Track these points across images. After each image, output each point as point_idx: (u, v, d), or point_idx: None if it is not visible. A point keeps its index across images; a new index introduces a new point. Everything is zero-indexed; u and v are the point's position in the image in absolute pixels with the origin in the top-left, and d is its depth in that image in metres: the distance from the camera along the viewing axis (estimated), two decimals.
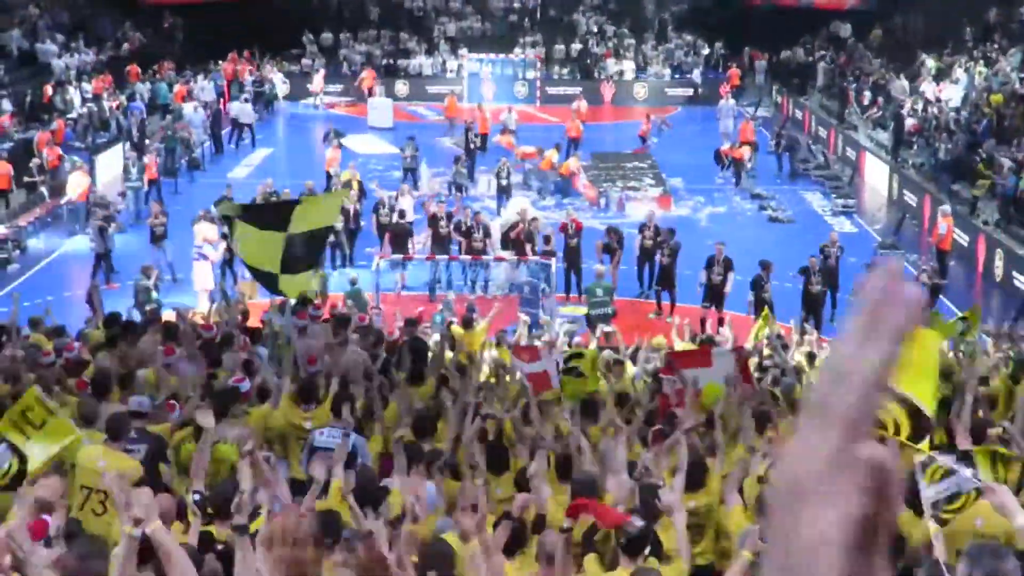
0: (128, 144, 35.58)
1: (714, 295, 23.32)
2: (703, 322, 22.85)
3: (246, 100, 41.98)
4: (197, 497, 7.72)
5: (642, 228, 25.53)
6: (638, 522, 7.08)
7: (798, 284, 23.30)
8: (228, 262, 24.78)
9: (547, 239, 25.62)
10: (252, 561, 6.09)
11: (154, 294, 21.85)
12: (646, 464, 9.51)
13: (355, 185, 28.47)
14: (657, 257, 24.79)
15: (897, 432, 7.78)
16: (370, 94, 45.73)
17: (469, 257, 25.30)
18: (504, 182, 32.15)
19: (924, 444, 8.07)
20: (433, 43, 51.47)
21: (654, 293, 24.94)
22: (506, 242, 25.98)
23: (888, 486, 1.06)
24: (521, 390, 13.40)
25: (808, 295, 23.01)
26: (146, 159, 31.91)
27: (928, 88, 38.67)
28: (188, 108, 40.70)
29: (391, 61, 50.08)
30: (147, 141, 36.28)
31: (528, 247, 25.40)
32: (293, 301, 16.11)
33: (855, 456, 1.06)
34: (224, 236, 23.12)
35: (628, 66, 50.23)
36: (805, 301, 22.84)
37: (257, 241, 14.52)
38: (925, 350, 8.07)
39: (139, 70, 43.84)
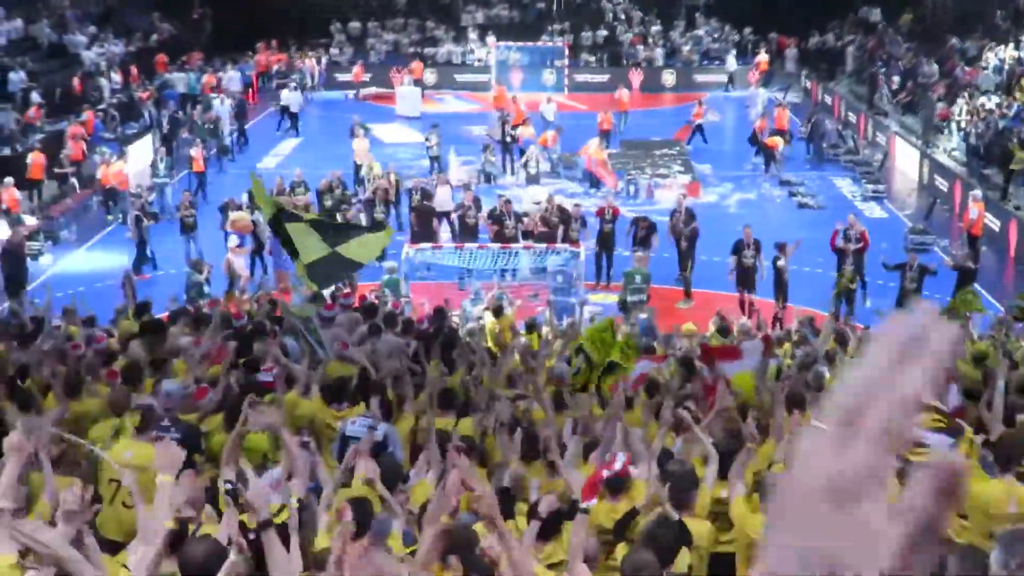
0: (159, 137, 35.65)
1: (746, 279, 23.38)
2: (742, 305, 22.93)
3: (295, 88, 42.34)
4: (229, 487, 7.74)
5: (673, 214, 25.56)
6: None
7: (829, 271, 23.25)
8: (256, 251, 24.96)
9: (573, 221, 25.65)
10: (282, 555, 6.10)
11: (206, 288, 21.98)
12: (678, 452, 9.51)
13: (392, 181, 28.42)
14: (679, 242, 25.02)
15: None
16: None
17: (498, 245, 25.27)
18: (533, 171, 32.08)
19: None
20: (461, 31, 51.47)
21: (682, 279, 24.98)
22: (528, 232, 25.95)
23: (955, 492, 1.08)
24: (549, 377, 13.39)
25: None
26: (193, 151, 32.00)
27: (958, 72, 38.42)
28: (216, 99, 40.88)
29: (418, 49, 50.08)
30: (181, 132, 36.37)
31: (562, 231, 25.42)
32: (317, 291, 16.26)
33: (888, 468, 1.08)
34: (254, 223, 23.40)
35: (658, 53, 50.08)
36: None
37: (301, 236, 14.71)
38: None
39: (166, 59, 44.06)
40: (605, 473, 8.18)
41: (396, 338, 15.54)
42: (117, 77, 39.80)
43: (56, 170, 30.63)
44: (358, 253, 15.28)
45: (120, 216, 28.70)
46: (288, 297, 18.21)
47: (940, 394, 9.92)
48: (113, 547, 7.33)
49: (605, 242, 25.65)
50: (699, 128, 38.15)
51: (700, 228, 25.19)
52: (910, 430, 1.09)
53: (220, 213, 25.83)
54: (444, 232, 26.81)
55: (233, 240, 24.35)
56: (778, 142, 34.83)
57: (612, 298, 23.50)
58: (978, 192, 27.40)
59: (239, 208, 25.55)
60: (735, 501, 8.76)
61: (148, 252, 25.95)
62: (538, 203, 26.94)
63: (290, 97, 41.44)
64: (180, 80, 42.14)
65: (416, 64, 47.20)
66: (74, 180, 30.79)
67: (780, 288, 23.07)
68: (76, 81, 37.26)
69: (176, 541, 5.97)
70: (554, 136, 34.55)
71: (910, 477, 1.08)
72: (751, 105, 39.82)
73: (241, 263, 23.94)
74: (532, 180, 31.55)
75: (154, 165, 30.03)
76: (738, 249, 23.43)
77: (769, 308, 22.92)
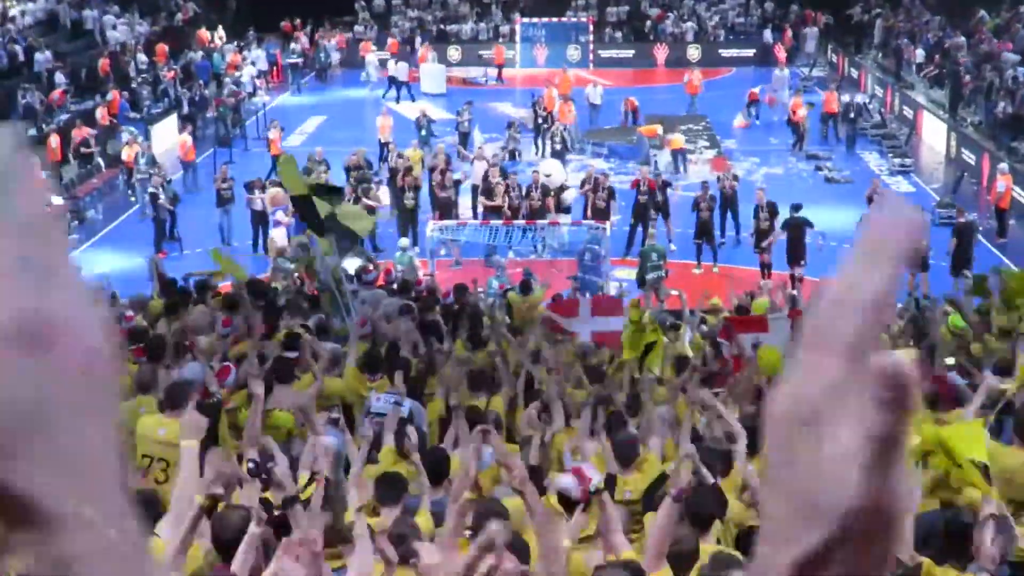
0: (179, 118, 35.72)
1: (760, 239, 24.07)
2: (762, 268, 23.73)
3: (397, 61, 43.49)
4: (252, 465, 7.78)
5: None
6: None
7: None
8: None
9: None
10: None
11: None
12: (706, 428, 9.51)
13: (442, 158, 28.32)
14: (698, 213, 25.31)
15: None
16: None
17: (523, 221, 25.28)
18: (558, 146, 32.04)
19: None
20: (485, 8, 51.35)
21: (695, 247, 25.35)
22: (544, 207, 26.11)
23: (906, 395, 1.03)
24: (578, 353, 13.41)
25: None
26: (181, 137, 32.06)
27: (986, 44, 38.13)
28: (245, 76, 41.09)
29: (442, 26, 49.98)
30: (207, 111, 36.42)
31: (592, 200, 25.71)
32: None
33: (861, 378, 1.03)
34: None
35: (688, 27, 49.80)
36: None
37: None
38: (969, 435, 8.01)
39: (208, 35, 44.41)
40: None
41: (392, 298, 15.76)
42: (143, 57, 39.87)
43: (83, 149, 30.70)
44: (350, 220, 15.53)
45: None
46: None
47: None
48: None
49: (640, 213, 25.74)
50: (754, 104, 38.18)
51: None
52: (874, 334, 1.04)
53: (245, 191, 25.90)
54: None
55: (280, 216, 24.43)
56: (803, 114, 34.56)
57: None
58: (1005, 165, 27.23)
59: (263, 187, 25.64)
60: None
61: (168, 230, 26.05)
62: (549, 175, 27.09)
63: (398, 68, 42.48)
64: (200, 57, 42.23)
65: (424, 48, 47.11)
66: (99, 159, 30.86)
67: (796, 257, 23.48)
68: (102, 61, 37.32)
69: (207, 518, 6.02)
70: (573, 115, 34.50)
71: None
72: (778, 89, 39.36)
73: (283, 235, 24.02)
74: (557, 155, 31.49)
75: (136, 161, 29.14)
76: (757, 214, 24.25)
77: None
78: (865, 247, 1.07)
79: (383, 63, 44.23)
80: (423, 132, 32.78)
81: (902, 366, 1.04)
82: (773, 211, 24.04)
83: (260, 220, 25.58)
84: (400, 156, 28.38)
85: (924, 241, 1.07)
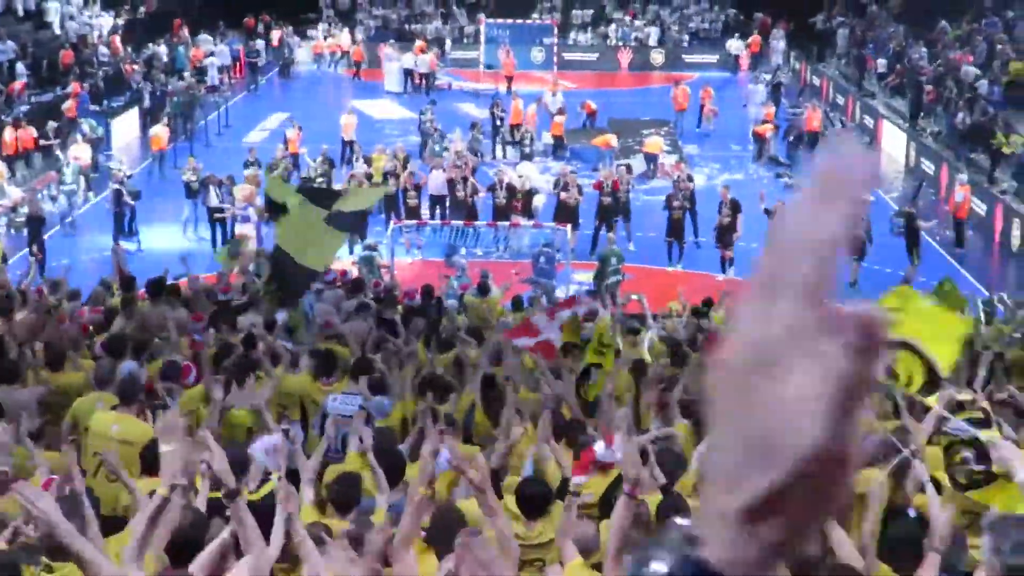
0: (140, 112, 35.53)
1: (721, 235, 24.64)
2: (723, 262, 24.52)
3: (423, 52, 43.92)
4: (205, 467, 7.75)
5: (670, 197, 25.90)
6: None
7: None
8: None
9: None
10: (253, 526, 6.11)
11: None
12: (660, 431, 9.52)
13: (400, 157, 28.19)
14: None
15: (909, 384, 7.81)
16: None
17: (484, 223, 25.31)
18: (527, 149, 31.99)
19: (933, 398, 8.09)
20: (450, 8, 51.30)
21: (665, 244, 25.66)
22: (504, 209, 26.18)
23: (876, 344, 1.03)
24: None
25: None
26: (153, 130, 31.92)
27: (947, 55, 38.40)
28: (214, 70, 41.03)
29: (407, 26, 49.88)
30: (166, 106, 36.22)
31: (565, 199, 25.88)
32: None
33: (820, 321, 1.03)
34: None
35: (652, 31, 49.91)
36: None
37: (297, 219, 14.62)
38: (955, 321, 8.10)
39: (182, 23, 44.48)
40: (596, 453, 8.21)
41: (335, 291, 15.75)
42: (105, 49, 39.56)
43: (43, 142, 30.41)
44: (355, 204, 15.29)
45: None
46: None
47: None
48: (102, 521, 7.30)
49: (605, 214, 25.88)
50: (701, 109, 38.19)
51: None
52: (830, 276, 1.04)
53: (202, 188, 25.81)
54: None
55: (252, 213, 24.35)
56: (767, 130, 34.66)
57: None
58: (964, 176, 27.46)
59: (220, 183, 25.51)
60: None
61: (127, 226, 25.86)
62: (521, 176, 27.19)
63: (418, 60, 43.14)
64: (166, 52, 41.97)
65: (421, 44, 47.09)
66: (59, 153, 30.55)
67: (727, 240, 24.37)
68: (63, 53, 37.01)
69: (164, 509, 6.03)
70: (526, 115, 34.52)
71: (827, 335, 1.02)
72: (750, 103, 39.43)
73: (251, 230, 23.95)
74: (526, 159, 31.46)
75: (60, 171, 28.40)
76: (720, 210, 24.75)
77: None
78: (818, 187, 1.05)
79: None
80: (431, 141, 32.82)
81: (876, 315, 1.03)
82: (736, 208, 24.49)
83: (218, 216, 25.43)
84: (366, 160, 28.34)
85: (879, 177, 1.05)
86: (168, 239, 25.01)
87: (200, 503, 7.21)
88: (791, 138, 34.12)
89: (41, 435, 9.76)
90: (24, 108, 32.23)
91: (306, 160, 29.15)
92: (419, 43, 45.68)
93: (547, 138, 34.63)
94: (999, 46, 37.30)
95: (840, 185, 1.05)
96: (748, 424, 1.04)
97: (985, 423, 8.26)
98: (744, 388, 1.04)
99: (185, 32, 45.20)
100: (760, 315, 1.04)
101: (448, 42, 48.45)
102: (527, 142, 32.41)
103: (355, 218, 15.64)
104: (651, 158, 32.23)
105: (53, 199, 27.63)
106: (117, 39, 40.94)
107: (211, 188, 25.41)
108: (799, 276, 1.03)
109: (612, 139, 33.77)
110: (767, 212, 24.01)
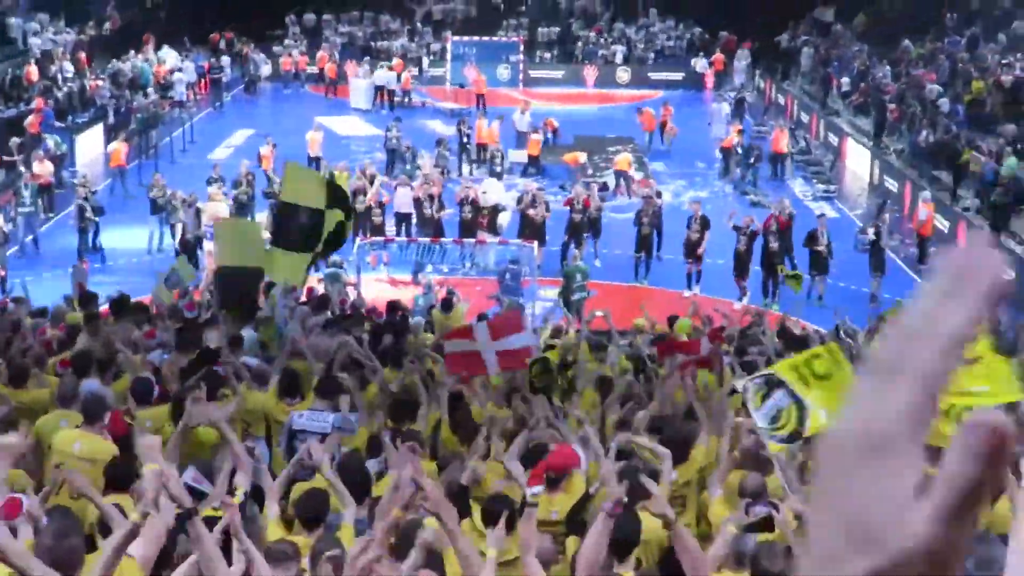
0: (105, 128, 35.34)
1: (689, 250, 24.82)
2: (688, 278, 24.78)
3: (390, 68, 44.07)
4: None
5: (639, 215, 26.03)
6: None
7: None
8: None
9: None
10: (211, 545, 6.09)
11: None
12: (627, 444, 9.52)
13: (368, 174, 28.05)
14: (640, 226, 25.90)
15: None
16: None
17: (450, 240, 25.31)
18: (499, 168, 31.97)
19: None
20: (416, 25, 51.34)
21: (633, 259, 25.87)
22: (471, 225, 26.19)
23: (1002, 453, 1.00)
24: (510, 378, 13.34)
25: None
26: (111, 146, 31.76)
27: (911, 74, 38.71)
28: (180, 86, 40.91)
29: (373, 43, 49.89)
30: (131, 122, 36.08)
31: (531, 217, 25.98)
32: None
33: (931, 411, 1.02)
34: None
35: (618, 49, 50.08)
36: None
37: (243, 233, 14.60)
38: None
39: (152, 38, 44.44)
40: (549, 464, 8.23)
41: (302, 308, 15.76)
42: (69, 65, 39.38)
43: (4, 157, 30.23)
44: (304, 195, 15.34)
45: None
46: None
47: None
48: None
49: (574, 232, 25.96)
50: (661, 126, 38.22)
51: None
52: (951, 368, 1.02)
53: (166, 209, 25.72)
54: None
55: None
56: (731, 140, 34.80)
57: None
58: (927, 193, 27.64)
59: (185, 202, 25.40)
60: (714, 503, 8.81)
61: (91, 242, 25.74)
62: (485, 192, 27.30)
63: (387, 77, 43.25)
64: (131, 68, 41.81)
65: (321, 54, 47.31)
66: (23, 169, 30.34)
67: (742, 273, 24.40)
68: (27, 69, 36.85)
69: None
70: (492, 134, 34.57)
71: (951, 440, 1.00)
72: (712, 123, 39.59)
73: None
74: (496, 176, 31.45)
75: (17, 193, 27.67)
76: (689, 225, 24.92)
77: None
78: (945, 281, 1.05)
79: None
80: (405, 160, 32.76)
81: (1004, 423, 1.02)
82: (705, 224, 24.68)
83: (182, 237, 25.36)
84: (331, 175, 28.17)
85: (1008, 282, 1.05)
86: (133, 255, 24.90)
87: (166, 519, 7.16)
88: (751, 159, 34.10)
89: None
90: None
91: (268, 175, 29.04)
92: (397, 61, 45.80)
93: (521, 156, 34.67)
94: (961, 65, 37.68)
95: (968, 282, 1.05)
96: (848, 506, 1.03)
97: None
98: (849, 469, 1.04)
99: (150, 48, 45.08)
100: (877, 396, 1.04)
101: (425, 60, 48.42)
102: (498, 161, 32.36)
103: (311, 229, 15.74)
104: (621, 175, 32.30)
105: (12, 220, 27.02)
106: (83, 55, 40.74)
107: (178, 209, 25.26)
108: (919, 365, 1.02)
109: (581, 156, 33.89)
110: (736, 229, 24.27)
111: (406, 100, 43.85)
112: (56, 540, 6.07)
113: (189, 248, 24.68)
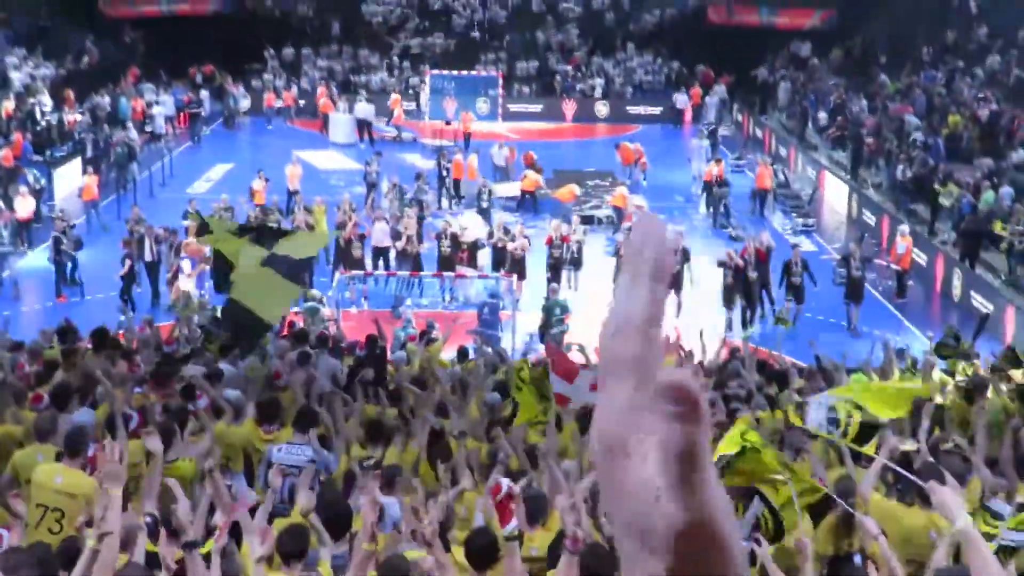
0: (83, 162, 35.21)
1: (673, 280, 24.18)
2: None
3: (369, 101, 44.50)
4: (149, 520, 7.66)
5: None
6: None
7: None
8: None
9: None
10: None
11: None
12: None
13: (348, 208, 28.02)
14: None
15: (845, 434, 7.87)
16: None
17: (430, 274, 25.33)
18: (485, 203, 31.92)
19: (870, 447, 8.12)
20: (392, 60, 51.43)
21: None
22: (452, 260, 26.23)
23: (695, 407, 1.05)
24: (486, 410, 13.33)
25: None
26: (84, 180, 31.70)
27: (888, 107, 38.97)
28: (160, 120, 40.92)
29: (351, 77, 49.98)
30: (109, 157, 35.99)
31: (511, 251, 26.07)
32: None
33: (650, 396, 1.04)
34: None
35: (596, 83, 50.29)
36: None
37: (248, 269, 14.48)
38: (902, 395, 8.21)
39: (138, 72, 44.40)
40: (502, 487, 8.18)
41: (334, 360, 15.64)
42: (46, 100, 39.30)
43: None
44: (299, 250, 15.18)
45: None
46: None
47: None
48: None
49: (554, 268, 26.12)
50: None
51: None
52: (656, 354, 1.06)
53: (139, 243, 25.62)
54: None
55: (186, 265, 24.21)
56: (713, 171, 34.91)
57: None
58: (905, 227, 27.77)
59: (158, 238, 25.34)
60: None
61: (69, 275, 25.66)
62: (465, 228, 27.32)
63: (365, 110, 43.70)
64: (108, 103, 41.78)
65: (321, 90, 47.49)
66: (1, 206, 30.23)
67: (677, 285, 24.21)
68: (5, 103, 36.78)
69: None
70: (472, 168, 34.67)
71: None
72: (692, 159, 39.75)
73: (192, 287, 23.85)
74: (483, 213, 31.36)
75: (35, 209, 28.26)
76: None
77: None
78: (628, 268, 1.08)
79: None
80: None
81: (686, 379, 1.04)
82: (686, 256, 24.78)
83: (153, 271, 25.27)
84: (307, 210, 28.14)
85: (673, 255, 1.09)
86: (111, 288, 24.74)
87: (139, 556, 7.11)
88: (720, 199, 34.21)
89: None
90: None
91: (244, 209, 28.98)
92: (395, 96, 46.06)
93: (510, 190, 34.76)
94: (937, 99, 37.95)
95: (639, 267, 1.08)
96: (621, 510, 1.06)
97: None
98: (609, 474, 1.07)
99: (129, 82, 45.07)
100: (606, 400, 1.06)
101: (424, 96, 48.45)
102: (484, 196, 32.31)
103: (298, 266, 15.58)
104: (617, 211, 32.25)
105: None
106: (70, 93, 40.65)
107: (146, 242, 25.17)
108: (626, 360, 1.05)
109: (577, 189, 33.94)
110: (720, 264, 24.42)
111: (399, 136, 43.98)
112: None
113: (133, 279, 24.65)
